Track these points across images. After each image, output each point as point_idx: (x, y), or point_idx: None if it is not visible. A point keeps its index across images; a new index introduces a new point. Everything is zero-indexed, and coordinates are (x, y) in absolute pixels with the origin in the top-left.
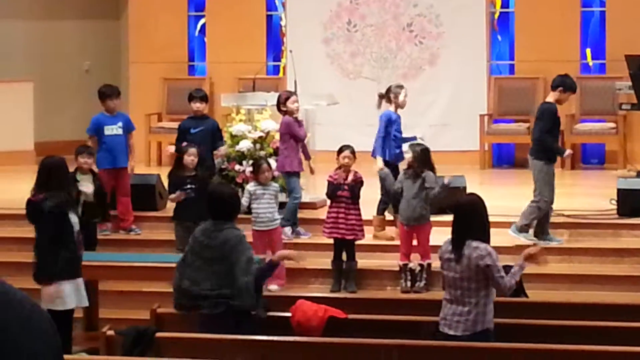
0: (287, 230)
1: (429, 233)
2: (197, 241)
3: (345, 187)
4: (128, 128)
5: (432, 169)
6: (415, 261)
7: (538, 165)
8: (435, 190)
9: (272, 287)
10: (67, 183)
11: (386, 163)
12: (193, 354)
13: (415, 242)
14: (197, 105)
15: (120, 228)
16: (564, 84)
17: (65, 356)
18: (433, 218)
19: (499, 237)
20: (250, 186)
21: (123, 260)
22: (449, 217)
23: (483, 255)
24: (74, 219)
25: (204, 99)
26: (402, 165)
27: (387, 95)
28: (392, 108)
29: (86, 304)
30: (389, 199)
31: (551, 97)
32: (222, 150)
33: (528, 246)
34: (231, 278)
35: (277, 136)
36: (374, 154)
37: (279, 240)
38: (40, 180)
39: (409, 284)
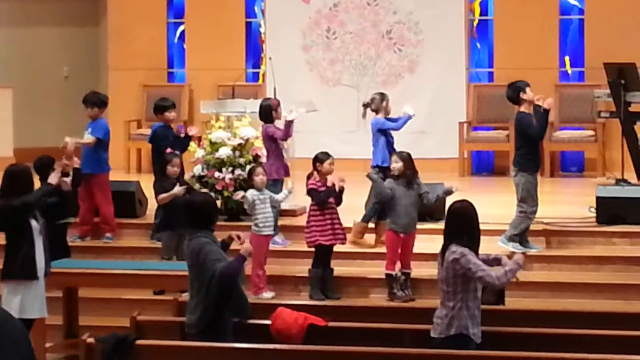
0: (277, 238)
1: (414, 241)
2: None
3: (333, 193)
4: (95, 135)
5: (417, 172)
6: (397, 270)
7: (521, 175)
8: (435, 196)
9: (267, 295)
10: (29, 190)
11: (382, 169)
12: None
13: (399, 250)
14: (174, 115)
15: (99, 235)
16: (518, 89)
17: None
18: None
19: (481, 244)
20: (252, 194)
21: (103, 268)
22: (430, 225)
23: (457, 259)
24: (33, 224)
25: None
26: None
27: (372, 104)
28: (380, 115)
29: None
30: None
31: (523, 107)
32: None
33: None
34: (196, 287)
35: (257, 143)
36: (384, 164)
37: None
38: (2, 188)
39: (400, 293)
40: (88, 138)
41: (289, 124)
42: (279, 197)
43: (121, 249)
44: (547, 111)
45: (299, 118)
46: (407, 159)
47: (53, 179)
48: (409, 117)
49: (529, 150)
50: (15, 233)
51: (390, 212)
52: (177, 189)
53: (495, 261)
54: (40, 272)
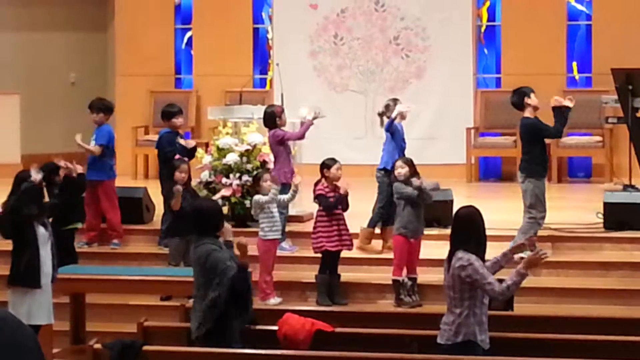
0: (285, 244)
1: (420, 246)
2: None
3: (344, 201)
4: (100, 142)
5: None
6: (404, 275)
7: (529, 181)
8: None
9: (274, 301)
10: (37, 197)
11: (388, 172)
12: None
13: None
14: (181, 121)
15: (106, 241)
16: (523, 94)
17: None
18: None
19: (488, 250)
20: (260, 197)
21: (110, 274)
22: (437, 231)
23: (464, 266)
24: (40, 230)
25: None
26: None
27: (388, 112)
28: (396, 121)
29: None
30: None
31: (527, 113)
32: None
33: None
34: (203, 293)
35: (264, 149)
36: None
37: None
38: (12, 194)
39: (407, 299)
40: (93, 147)
41: (309, 124)
42: (286, 197)
43: (128, 255)
44: (568, 109)
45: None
46: (412, 164)
47: (34, 175)
48: (392, 120)
49: (535, 156)
50: (20, 240)
51: (399, 217)
52: (176, 187)
53: (504, 259)
54: (44, 280)
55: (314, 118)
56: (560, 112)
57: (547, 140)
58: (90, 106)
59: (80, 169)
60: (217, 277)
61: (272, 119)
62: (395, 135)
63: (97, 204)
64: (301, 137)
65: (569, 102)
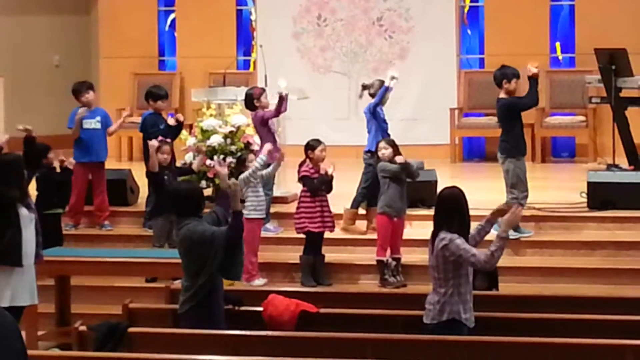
0: (269, 225)
1: (404, 226)
2: None
3: (326, 181)
4: (106, 123)
5: None
6: (388, 256)
7: (510, 162)
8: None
9: (258, 282)
10: (20, 179)
11: (374, 153)
12: (165, 349)
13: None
14: (165, 105)
15: (95, 223)
16: (505, 75)
17: (38, 352)
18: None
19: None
20: (242, 175)
21: (95, 256)
22: (422, 211)
23: (446, 245)
24: (23, 212)
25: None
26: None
27: (371, 89)
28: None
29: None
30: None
31: (502, 94)
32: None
33: None
34: (192, 272)
35: (248, 131)
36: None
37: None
38: None
39: (392, 279)
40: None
41: (281, 99)
42: (267, 171)
43: (113, 236)
44: (535, 79)
45: (290, 104)
46: (394, 145)
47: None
48: (385, 89)
49: (514, 136)
50: (2, 220)
51: (382, 195)
52: (151, 144)
53: (488, 225)
54: (26, 260)
55: (286, 93)
56: (535, 81)
57: (530, 121)
58: (83, 87)
59: (73, 163)
60: (210, 250)
61: (249, 101)
62: (377, 116)
63: (86, 186)
64: (277, 113)
65: (534, 69)
